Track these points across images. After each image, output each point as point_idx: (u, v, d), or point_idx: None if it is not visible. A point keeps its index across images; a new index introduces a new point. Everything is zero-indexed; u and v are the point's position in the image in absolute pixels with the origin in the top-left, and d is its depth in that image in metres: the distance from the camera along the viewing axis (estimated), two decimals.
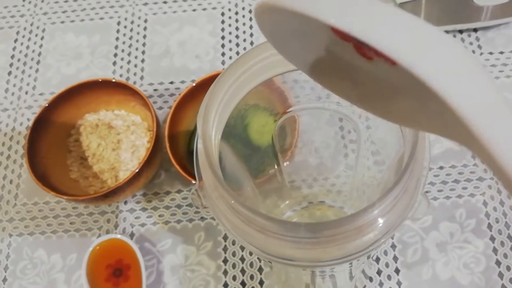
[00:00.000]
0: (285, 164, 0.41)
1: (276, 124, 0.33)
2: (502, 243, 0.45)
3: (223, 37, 0.56)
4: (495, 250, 0.44)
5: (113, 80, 0.48)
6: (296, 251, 0.21)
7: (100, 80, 0.48)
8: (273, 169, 0.39)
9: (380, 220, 0.21)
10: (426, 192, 0.47)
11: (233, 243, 0.46)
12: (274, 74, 0.26)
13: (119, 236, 0.44)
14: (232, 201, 0.21)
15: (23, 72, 0.56)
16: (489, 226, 0.45)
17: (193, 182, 0.43)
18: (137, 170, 0.43)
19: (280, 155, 0.37)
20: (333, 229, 0.20)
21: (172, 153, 0.45)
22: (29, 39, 0.58)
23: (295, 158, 0.44)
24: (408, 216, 0.23)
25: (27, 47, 0.58)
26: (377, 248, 0.23)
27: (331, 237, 0.20)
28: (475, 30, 0.54)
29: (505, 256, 0.44)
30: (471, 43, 0.53)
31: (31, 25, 0.59)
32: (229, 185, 0.27)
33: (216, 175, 0.21)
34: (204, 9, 0.58)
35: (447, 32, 0.54)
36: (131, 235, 0.47)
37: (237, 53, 0.55)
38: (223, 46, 0.56)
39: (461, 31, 0.54)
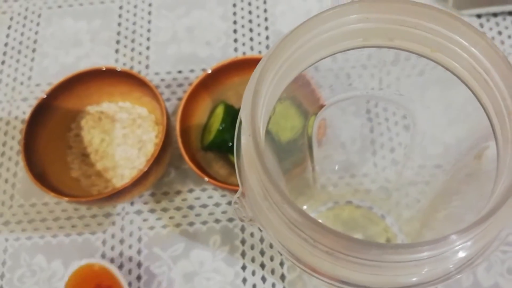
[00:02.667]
0: (317, 162, 0.37)
1: (315, 118, 0.28)
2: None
3: (235, 22, 0.52)
4: None
5: (118, 69, 0.43)
6: (356, 275, 0.17)
7: (104, 69, 0.43)
8: (302, 164, 0.35)
9: (463, 250, 0.17)
10: None
11: (252, 247, 0.42)
12: (331, 52, 0.21)
13: (93, 260, 0.39)
14: (297, 213, 0.16)
15: (17, 61, 0.52)
16: None
17: (206, 179, 0.39)
18: (145, 169, 0.39)
19: (308, 149, 0.32)
20: (413, 253, 0.16)
21: (184, 148, 0.40)
22: (23, 25, 0.54)
23: (320, 156, 0.40)
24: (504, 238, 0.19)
25: (22, 34, 0.53)
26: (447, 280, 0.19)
27: (401, 263, 0.16)
28: (510, 13, 0.50)
29: None
30: (506, 27, 0.49)
31: (26, 10, 0.54)
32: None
33: (271, 179, 0.16)
34: None
35: (479, 15, 0.50)
36: (139, 240, 0.43)
37: (251, 38, 0.50)
38: (235, 31, 0.51)
39: (495, 14, 0.50)
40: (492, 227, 0.18)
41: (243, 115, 0.18)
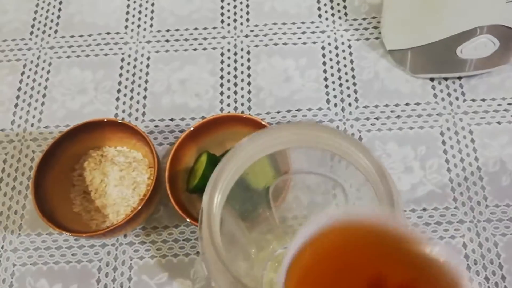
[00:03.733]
0: (277, 205, 0.44)
1: (273, 182, 0.36)
2: (480, 284, 0.48)
3: (222, 77, 0.59)
4: None
5: (119, 121, 0.50)
6: None
7: (106, 120, 0.50)
8: (265, 211, 0.42)
9: None
10: None
11: None
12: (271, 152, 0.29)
13: None
14: (231, 279, 0.23)
15: (29, 104, 0.59)
16: (468, 268, 0.48)
17: (188, 220, 0.46)
18: (139, 208, 0.46)
19: (272, 199, 0.40)
20: None
21: (171, 191, 0.47)
22: (35, 73, 0.61)
23: (288, 198, 0.47)
24: None
25: (34, 80, 0.60)
26: None
27: None
28: (459, 77, 0.57)
29: None
30: (455, 90, 0.57)
31: (38, 58, 0.62)
32: (225, 240, 0.30)
33: (218, 253, 0.24)
34: (205, 49, 0.61)
35: (432, 79, 0.57)
36: (130, 268, 0.50)
37: (235, 92, 0.58)
38: (221, 85, 0.59)
39: (446, 78, 0.57)
40: None
41: (204, 200, 0.25)
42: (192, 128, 0.49)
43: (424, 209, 0.51)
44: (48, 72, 0.61)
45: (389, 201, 0.25)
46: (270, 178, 0.37)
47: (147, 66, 0.60)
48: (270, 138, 0.28)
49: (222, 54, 0.60)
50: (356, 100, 0.57)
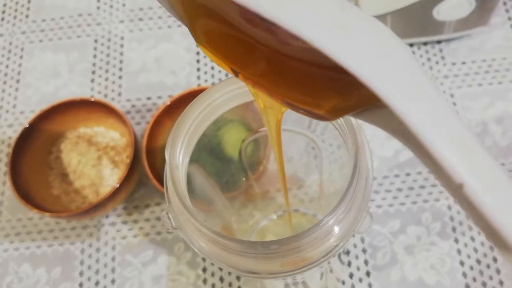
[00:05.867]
0: (257, 176, 0.43)
1: (243, 143, 0.35)
2: (466, 244, 0.47)
3: (198, 53, 0.58)
4: (459, 251, 0.47)
5: (92, 99, 0.49)
6: (257, 266, 0.23)
7: (79, 100, 0.49)
8: (245, 182, 0.41)
9: (328, 237, 0.23)
10: (394, 198, 0.50)
11: None
12: (234, 106, 0.28)
13: None
14: (198, 225, 0.23)
15: (3, 90, 0.58)
16: (453, 229, 0.48)
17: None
18: (117, 186, 0.45)
19: (250, 169, 0.39)
20: (286, 245, 0.22)
21: (150, 167, 0.47)
22: (8, 58, 0.60)
23: (270, 169, 0.47)
24: (355, 231, 0.25)
25: (7, 66, 0.59)
26: (328, 259, 0.25)
27: (285, 252, 0.22)
28: (439, 42, 0.57)
29: (468, 256, 0.47)
30: (434, 54, 0.56)
31: (10, 44, 0.60)
32: (199, 202, 0.29)
33: (182, 201, 0.23)
34: (179, 26, 0.60)
35: (411, 44, 0.57)
36: (113, 248, 0.49)
37: (212, 67, 0.57)
38: (198, 61, 0.58)
39: (425, 43, 0.57)
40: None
41: (166, 155, 0.25)
42: (168, 103, 0.48)
43: (408, 174, 0.51)
44: (21, 57, 0.60)
45: (355, 151, 0.25)
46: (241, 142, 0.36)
47: (121, 46, 0.59)
48: (235, 86, 0.27)
49: None
50: None
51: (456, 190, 0.15)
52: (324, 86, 0.19)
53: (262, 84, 0.20)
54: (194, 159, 0.27)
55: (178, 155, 0.25)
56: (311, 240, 0.22)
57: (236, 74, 0.21)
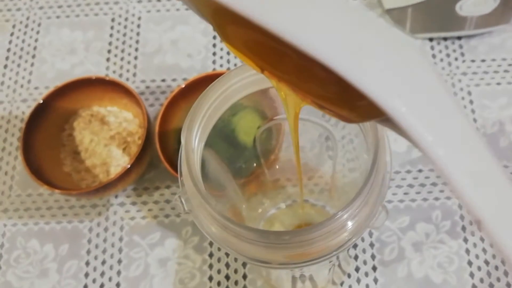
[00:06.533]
0: (269, 164, 0.43)
1: (258, 130, 0.35)
2: (474, 245, 0.47)
3: (214, 37, 0.58)
4: (467, 251, 0.47)
5: (107, 78, 0.49)
6: (267, 255, 0.23)
7: (94, 78, 0.49)
8: (257, 170, 0.41)
9: (341, 231, 0.23)
10: (405, 193, 0.49)
11: None
12: (252, 91, 0.28)
13: None
14: (211, 210, 0.22)
15: (18, 65, 0.58)
16: (463, 228, 0.48)
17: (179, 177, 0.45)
18: (128, 166, 0.45)
19: (262, 157, 0.39)
20: (298, 237, 0.22)
21: (161, 150, 0.47)
22: (25, 33, 0.59)
23: (281, 158, 0.46)
24: (369, 225, 0.25)
25: (23, 41, 0.59)
26: (339, 253, 0.25)
27: (297, 244, 0.22)
28: (459, 38, 0.56)
29: (477, 257, 0.46)
30: (454, 50, 0.55)
31: (27, 19, 0.60)
32: (212, 187, 0.29)
33: (196, 186, 0.23)
34: None
35: (431, 39, 0.56)
36: (121, 228, 0.49)
37: (228, 53, 0.57)
38: (214, 45, 0.57)
39: (445, 38, 0.56)
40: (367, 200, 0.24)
41: (182, 138, 0.25)
42: (183, 86, 0.48)
43: (420, 170, 0.50)
44: (38, 32, 0.59)
45: (375, 146, 0.24)
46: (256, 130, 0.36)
47: (138, 26, 0.59)
48: (253, 72, 0.27)
49: None
50: None
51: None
52: (357, 95, 0.18)
53: (289, 82, 0.20)
54: (209, 144, 0.27)
55: (194, 139, 0.25)
56: (324, 233, 0.22)
57: (262, 70, 0.20)
